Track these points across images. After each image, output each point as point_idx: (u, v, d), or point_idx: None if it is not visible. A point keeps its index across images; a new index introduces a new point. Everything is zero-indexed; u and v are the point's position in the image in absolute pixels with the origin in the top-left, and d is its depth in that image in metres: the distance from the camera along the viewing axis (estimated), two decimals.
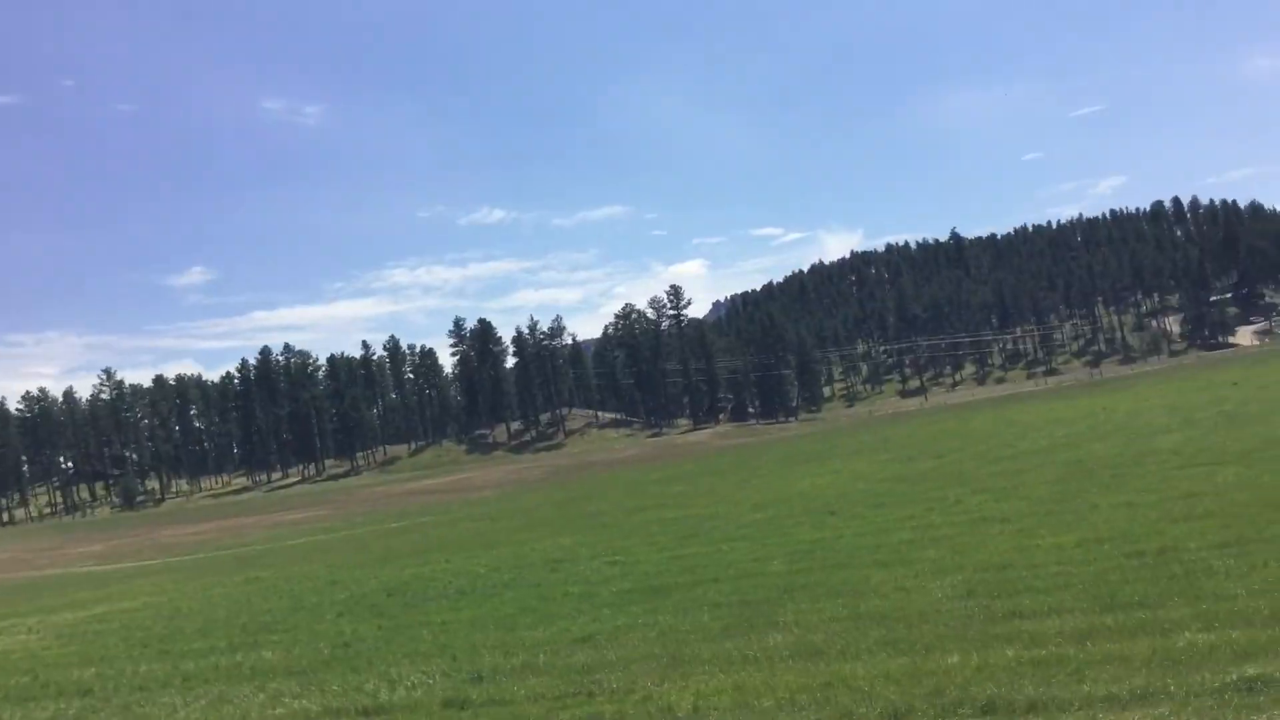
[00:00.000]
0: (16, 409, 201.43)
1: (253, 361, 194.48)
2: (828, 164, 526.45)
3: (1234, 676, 9.20)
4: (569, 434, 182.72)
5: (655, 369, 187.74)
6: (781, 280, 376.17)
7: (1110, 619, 11.98)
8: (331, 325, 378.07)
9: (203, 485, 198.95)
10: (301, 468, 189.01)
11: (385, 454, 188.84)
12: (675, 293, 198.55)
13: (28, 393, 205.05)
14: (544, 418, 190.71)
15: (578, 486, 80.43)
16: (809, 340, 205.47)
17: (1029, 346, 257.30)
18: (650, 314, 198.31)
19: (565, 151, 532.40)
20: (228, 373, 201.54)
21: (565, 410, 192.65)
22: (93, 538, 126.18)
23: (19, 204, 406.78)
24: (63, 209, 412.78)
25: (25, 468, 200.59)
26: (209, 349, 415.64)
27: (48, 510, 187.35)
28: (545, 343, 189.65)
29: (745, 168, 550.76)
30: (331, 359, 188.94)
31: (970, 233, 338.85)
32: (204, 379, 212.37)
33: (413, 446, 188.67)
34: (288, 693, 14.61)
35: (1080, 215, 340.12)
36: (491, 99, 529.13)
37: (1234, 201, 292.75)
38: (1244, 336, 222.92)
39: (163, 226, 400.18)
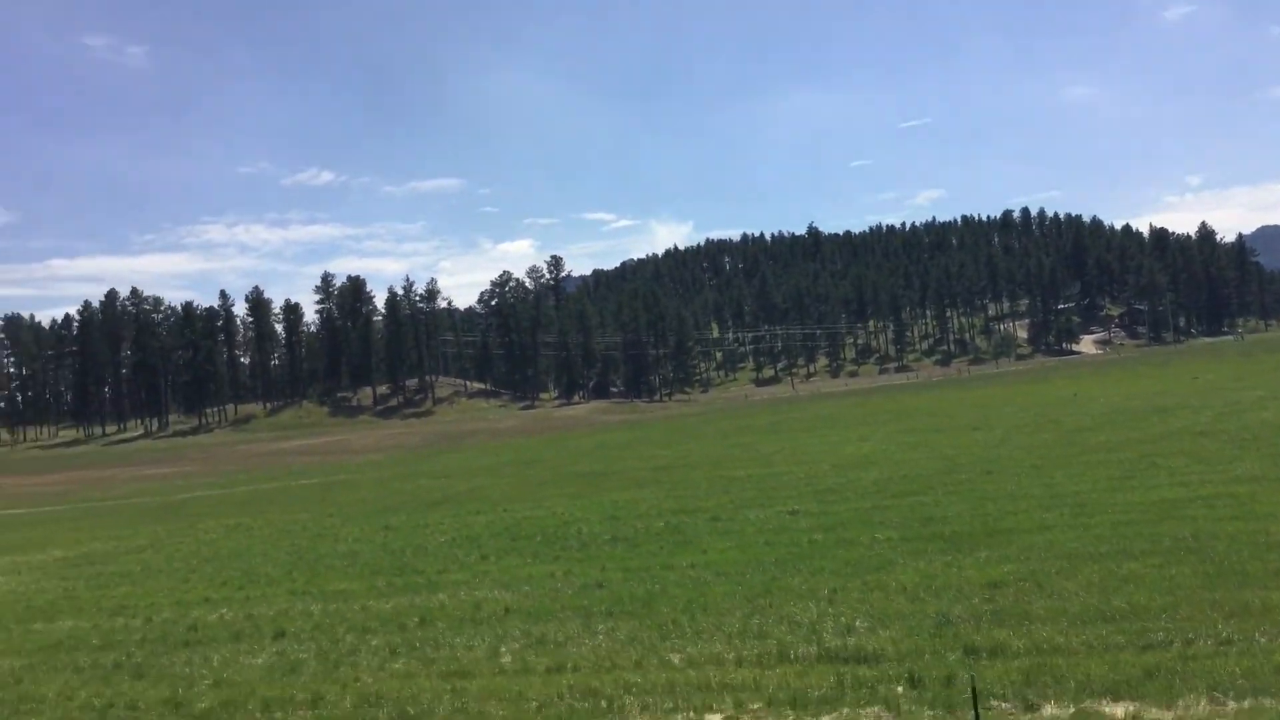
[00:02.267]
0: None
1: (96, 304, 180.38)
2: (665, 155, 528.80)
3: None
4: (437, 402, 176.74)
5: (532, 340, 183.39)
6: (618, 265, 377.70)
7: None
8: (137, 279, 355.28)
9: (25, 436, 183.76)
10: (144, 421, 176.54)
11: (237, 412, 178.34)
12: (556, 263, 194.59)
13: None
14: (410, 384, 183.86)
15: (541, 449, 76.60)
16: (689, 321, 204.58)
17: (880, 342, 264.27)
18: (528, 283, 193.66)
19: (403, 117, 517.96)
20: (66, 314, 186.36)
21: (433, 377, 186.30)
22: None
23: None
24: None
25: None
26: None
27: None
28: (422, 306, 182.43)
29: (584, 151, 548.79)
30: (188, 306, 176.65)
31: (789, 231, 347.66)
32: (36, 319, 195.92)
33: (268, 406, 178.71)
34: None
35: (934, 219, 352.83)
36: (329, 55, 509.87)
37: (1079, 215, 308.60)
38: (1086, 345, 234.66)
39: None
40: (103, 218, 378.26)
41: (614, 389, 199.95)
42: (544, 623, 15.29)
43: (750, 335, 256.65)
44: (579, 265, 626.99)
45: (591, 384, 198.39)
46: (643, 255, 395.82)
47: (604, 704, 11.08)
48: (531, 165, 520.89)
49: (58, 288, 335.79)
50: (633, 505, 30.20)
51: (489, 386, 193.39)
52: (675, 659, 12.60)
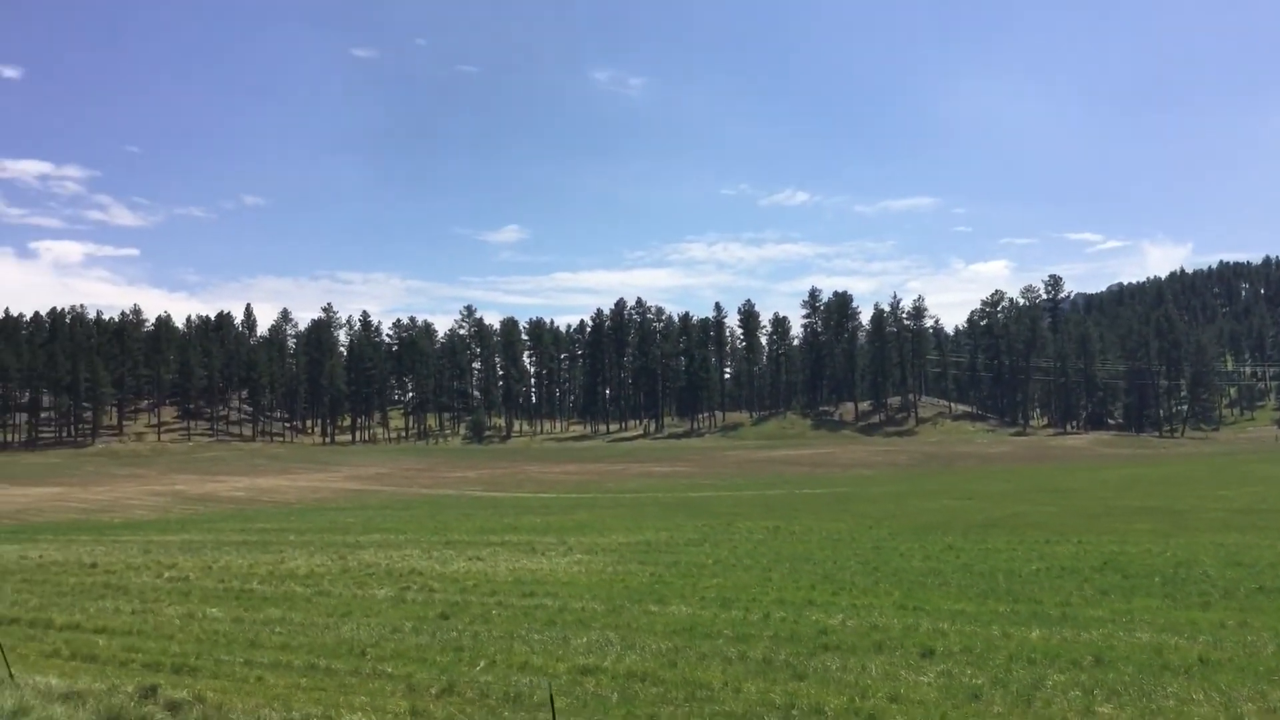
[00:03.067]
0: (387, 335, 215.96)
1: (607, 311, 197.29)
2: (1158, 171, 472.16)
3: None
4: (920, 421, 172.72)
5: (1024, 363, 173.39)
6: (1105, 289, 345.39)
7: None
8: (625, 291, 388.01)
9: (542, 428, 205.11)
10: (645, 422, 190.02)
11: (724, 419, 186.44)
12: (1054, 283, 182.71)
13: (399, 320, 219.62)
14: (892, 401, 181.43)
15: (1058, 477, 72.06)
16: (1210, 350, 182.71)
17: None
18: (1022, 302, 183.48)
19: (877, 137, 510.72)
20: (581, 321, 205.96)
21: (916, 396, 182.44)
22: (456, 464, 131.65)
23: (364, 151, 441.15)
24: (402, 159, 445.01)
25: (395, 394, 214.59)
26: (513, 304, 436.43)
27: (399, 434, 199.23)
28: (908, 324, 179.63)
29: (1066, 166, 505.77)
30: (685, 319, 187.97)
31: None
32: (555, 325, 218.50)
33: (754, 415, 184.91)
34: None
35: None
36: (806, 80, 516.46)
37: None
38: None
39: (489, 185, 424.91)
40: (601, 235, 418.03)
41: (1110, 420, 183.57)
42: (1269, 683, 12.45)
43: (1273, 370, 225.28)
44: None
45: (1085, 414, 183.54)
46: (1133, 279, 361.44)
47: None
48: (1010, 182, 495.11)
49: (561, 298, 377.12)
50: (1245, 550, 25.82)
51: (973, 409, 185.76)
52: None
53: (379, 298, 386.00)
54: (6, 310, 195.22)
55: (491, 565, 27.96)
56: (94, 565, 31.22)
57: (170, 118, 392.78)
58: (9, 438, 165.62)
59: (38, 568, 31.27)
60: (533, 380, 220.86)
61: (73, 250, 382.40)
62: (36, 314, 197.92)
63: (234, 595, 23.91)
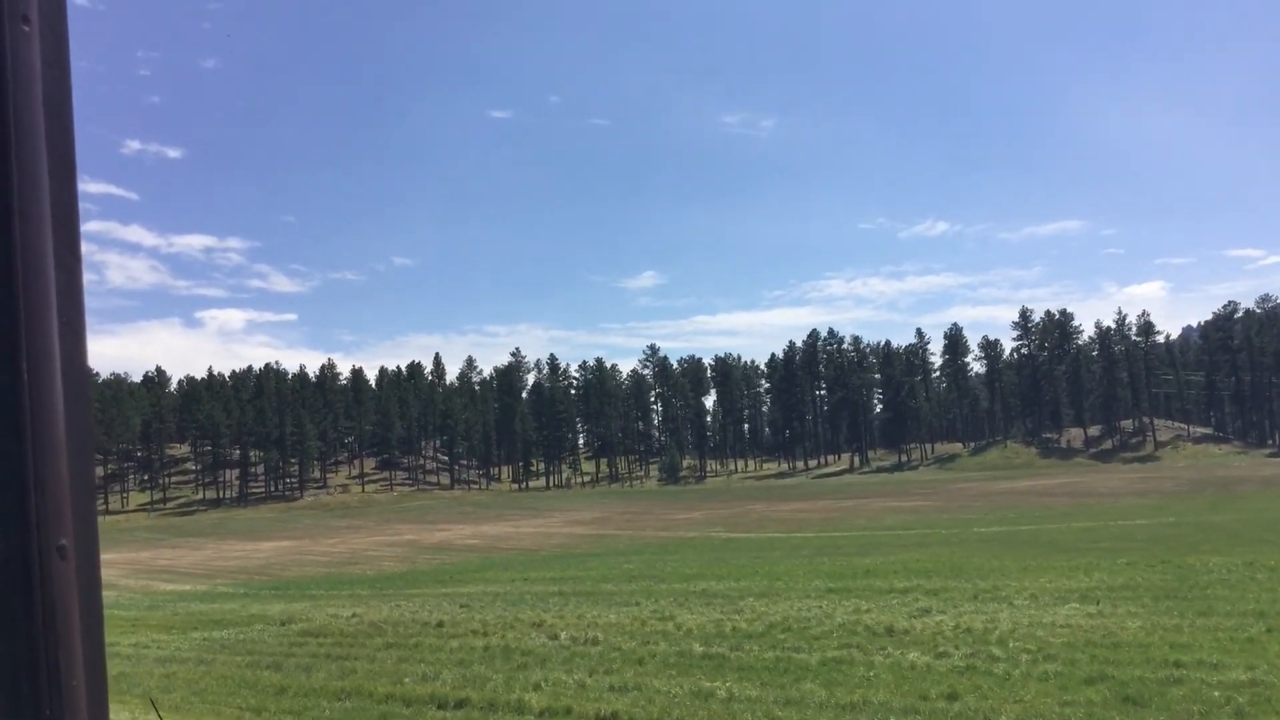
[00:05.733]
0: (574, 377, 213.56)
1: (799, 343, 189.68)
2: None
3: None
4: (1159, 445, 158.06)
5: (1272, 380, 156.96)
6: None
7: None
8: (765, 332, 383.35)
9: (736, 466, 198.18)
10: (848, 456, 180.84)
11: (933, 451, 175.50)
12: None
13: (584, 363, 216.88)
14: (1124, 425, 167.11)
15: None
16: None
17: None
18: (1258, 312, 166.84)
19: (1018, 160, 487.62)
20: (772, 355, 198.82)
21: (1149, 419, 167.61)
22: (671, 507, 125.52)
23: (505, 208, 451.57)
24: (541, 214, 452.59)
25: (580, 438, 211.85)
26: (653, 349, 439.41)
27: (589, 479, 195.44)
28: (1138, 341, 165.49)
29: (1220, 180, 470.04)
30: (886, 347, 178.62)
31: None
32: (746, 360, 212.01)
33: (971, 445, 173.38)
34: None
35: None
36: (938, 106, 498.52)
37: None
38: None
39: (625, 233, 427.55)
40: (737, 276, 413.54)
41: None
42: None
43: None
44: (1213, 308, 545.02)
45: None
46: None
47: None
48: (1163, 200, 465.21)
49: (700, 340, 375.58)
50: None
51: (1211, 431, 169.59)
52: None
53: (524, 348, 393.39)
54: (210, 369, 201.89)
55: (989, 620, 21.03)
56: (440, 624, 25.77)
57: (322, 187, 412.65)
58: (221, 494, 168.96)
59: (373, 628, 26.02)
60: (723, 418, 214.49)
61: (235, 317, 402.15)
62: (234, 371, 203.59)
63: (692, 662, 17.79)
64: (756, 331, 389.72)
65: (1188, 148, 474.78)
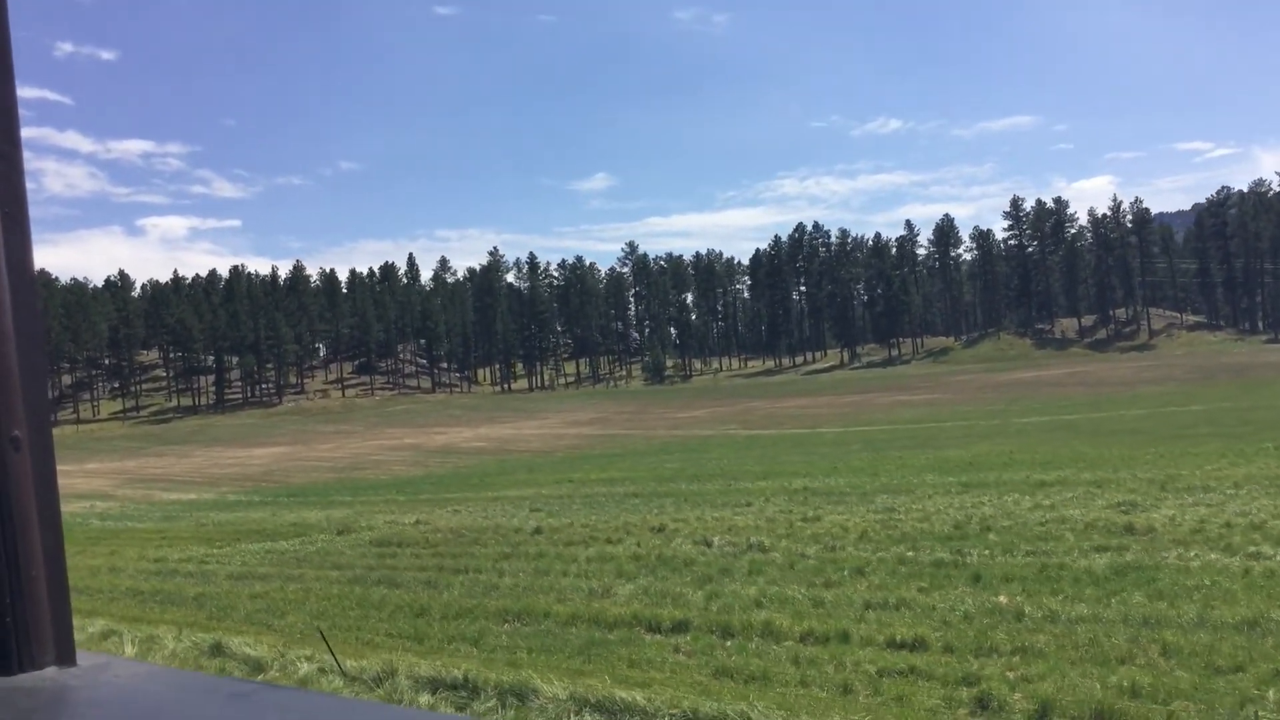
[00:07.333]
0: (554, 276, 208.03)
1: (784, 237, 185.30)
2: (1270, 71, 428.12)
3: None
4: (1154, 334, 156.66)
5: (1266, 266, 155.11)
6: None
7: None
8: (718, 233, 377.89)
9: (722, 365, 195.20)
10: (840, 351, 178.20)
11: (924, 345, 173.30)
12: None
13: (564, 261, 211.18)
14: (1118, 314, 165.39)
15: None
16: None
17: None
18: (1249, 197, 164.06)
19: (972, 57, 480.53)
20: (756, 250, 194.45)
21: (1141, 308, 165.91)
22: (670, 405, 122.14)
23: (451, 110, 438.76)
24: (487, 115, 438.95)
25: (562, 339, 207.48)
26: (605, 251, 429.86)
27: (571, 379, 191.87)
28: (1131, 229, 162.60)
29: (1171, 76, 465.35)
30: (878, 238, 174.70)
31: None
32: (727, 257, 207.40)
33: (963, 339, 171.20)
34: None
35: None
36: (893, 3, 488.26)
37: None
38: None
39: (575, 134, 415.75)
40: (689, 177, 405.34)
41: None
42: None
43: None
44: (1167, 200, 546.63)
45: None
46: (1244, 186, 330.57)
47: None
48: (1111, 96, 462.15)
49: (654, 242, 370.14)
50: None
51: (1204, 319, 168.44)
52: None
53: (475, 253, 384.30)
54: (175, 272, 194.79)
55: (1239, 513, 17.50)
56: (538, 530, 22.05)
57: (264, 89, 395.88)
58: (196, 401, 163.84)
59: (458, 536, 22.27)
60: (706, 316, 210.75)
61: (178, 224, 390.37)
62: (197, 275, 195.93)
63: (922, 569, 14.13)
64: (710, 233, 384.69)
65: (1140, 43, 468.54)
